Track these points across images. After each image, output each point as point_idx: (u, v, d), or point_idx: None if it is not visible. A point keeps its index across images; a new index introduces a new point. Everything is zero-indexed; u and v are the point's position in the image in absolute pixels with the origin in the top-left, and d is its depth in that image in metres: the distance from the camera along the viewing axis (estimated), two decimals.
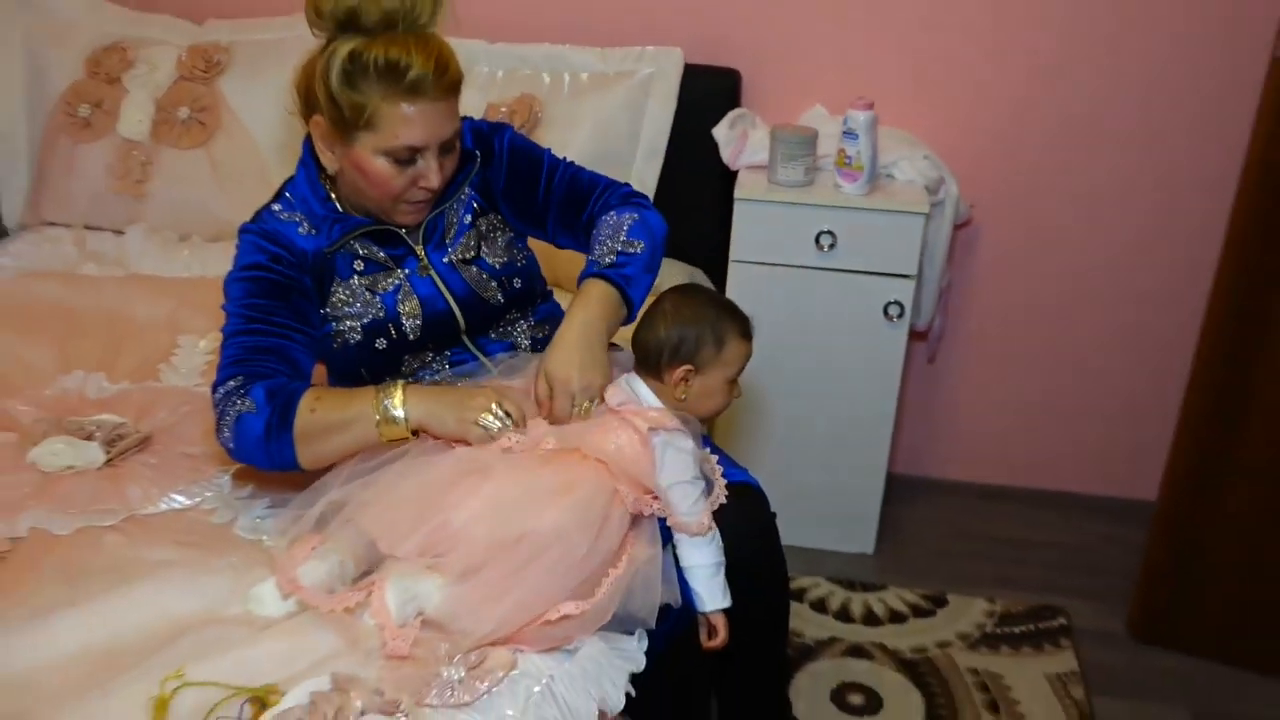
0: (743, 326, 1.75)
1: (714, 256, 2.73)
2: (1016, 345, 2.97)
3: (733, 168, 2.70)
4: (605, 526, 1.54)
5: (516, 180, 1.87)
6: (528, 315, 1.92)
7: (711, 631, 1.71)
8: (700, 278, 2.86)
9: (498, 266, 1.85)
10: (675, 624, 1.64)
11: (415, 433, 1.62)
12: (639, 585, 1.56)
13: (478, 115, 2.69)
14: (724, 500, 1.67)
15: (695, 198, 2.78)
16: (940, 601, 2.66)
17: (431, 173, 1.67)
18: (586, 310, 1.69)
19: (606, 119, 2.68)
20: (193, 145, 2.75)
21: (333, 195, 1.77)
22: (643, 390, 1.71)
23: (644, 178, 2.70)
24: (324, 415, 1.59)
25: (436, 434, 1.61)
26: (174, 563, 1.64)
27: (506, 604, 1.45)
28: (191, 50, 2.80)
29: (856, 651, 2.49)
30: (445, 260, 1.82)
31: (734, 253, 2.61)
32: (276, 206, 1.77)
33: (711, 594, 1.68)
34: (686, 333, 1.71)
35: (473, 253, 1.83)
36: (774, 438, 2.75)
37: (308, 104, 1.69)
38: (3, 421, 1.98)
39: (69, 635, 1.49)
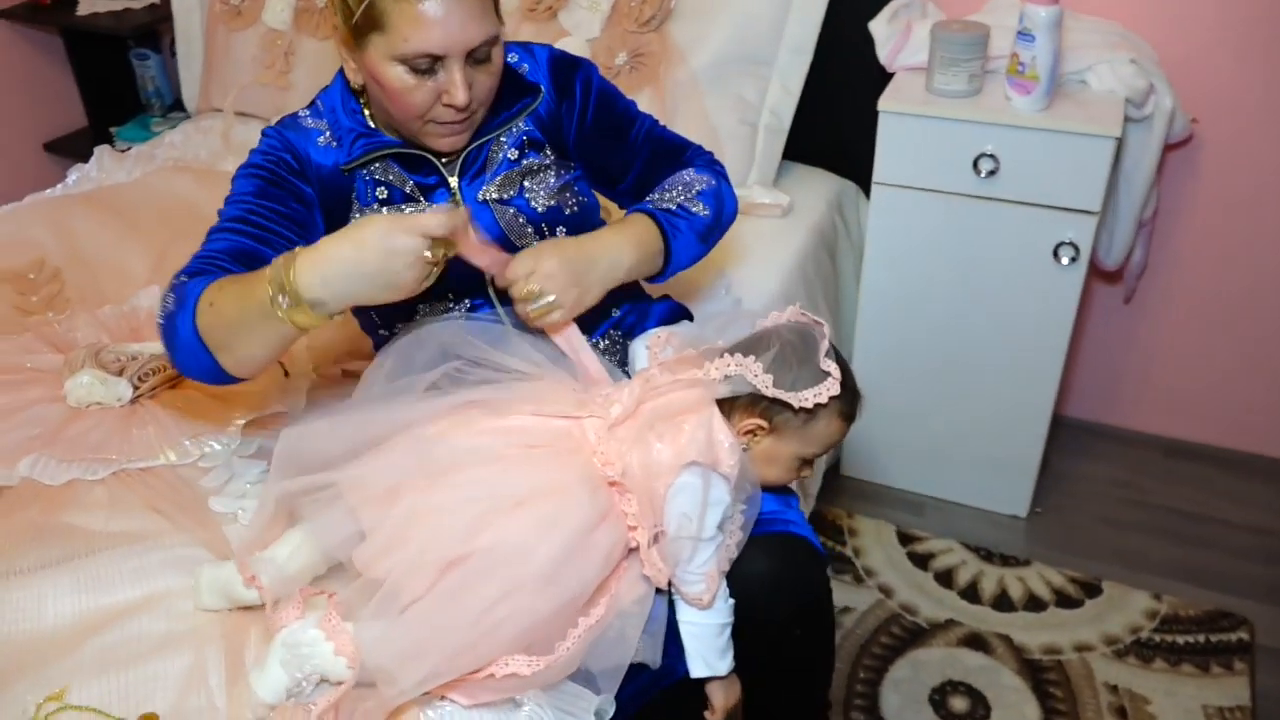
0: (847, 406, 1.24)
1: (868, 171, 2.11)
2: (1232, 285, 2.20)
3: (890, 69, 2.05)
4: (583, 550, 1.11)
5: (602, 130, 1.47)
6: None
7: (708, 705, 1.25)
8: (851, 194, 2.27)
9: (540, 210, 1.41)
10: (653, 683, 1.21)
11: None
12: (611, 636, 1.14)
13: (607, 4, 2.17)
14: (727, 566, 1.20)
15: (848, 103, 2.16)
16: (1093, 590, 2.05)
17: (455, 86, 1.24)
18: (617, 234, 1.34)
19: (747, 9, 2.08)
20: (329, 35, 2.40)
21: (367, 110, 1.39)
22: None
23: (787, 80, 2.10)
24: (222, 307, 1.18)
25: (365, 304, 1.20)
26: (132, 536, 1.35)
27: (443, 649, 1.07)
28: None
29: (975, 642, 1.95)
30: (479, 196, 1.39)
31: (878, 173, 2.00)
32: (304, 112, 1.41)
33: (707, 658, 1.21)
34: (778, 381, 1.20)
35: (512, 191, 1.40)
36: (920, 377, 2.17)
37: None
38: (62, 341, 1.76)
39: None
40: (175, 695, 1.15)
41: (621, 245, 1.32)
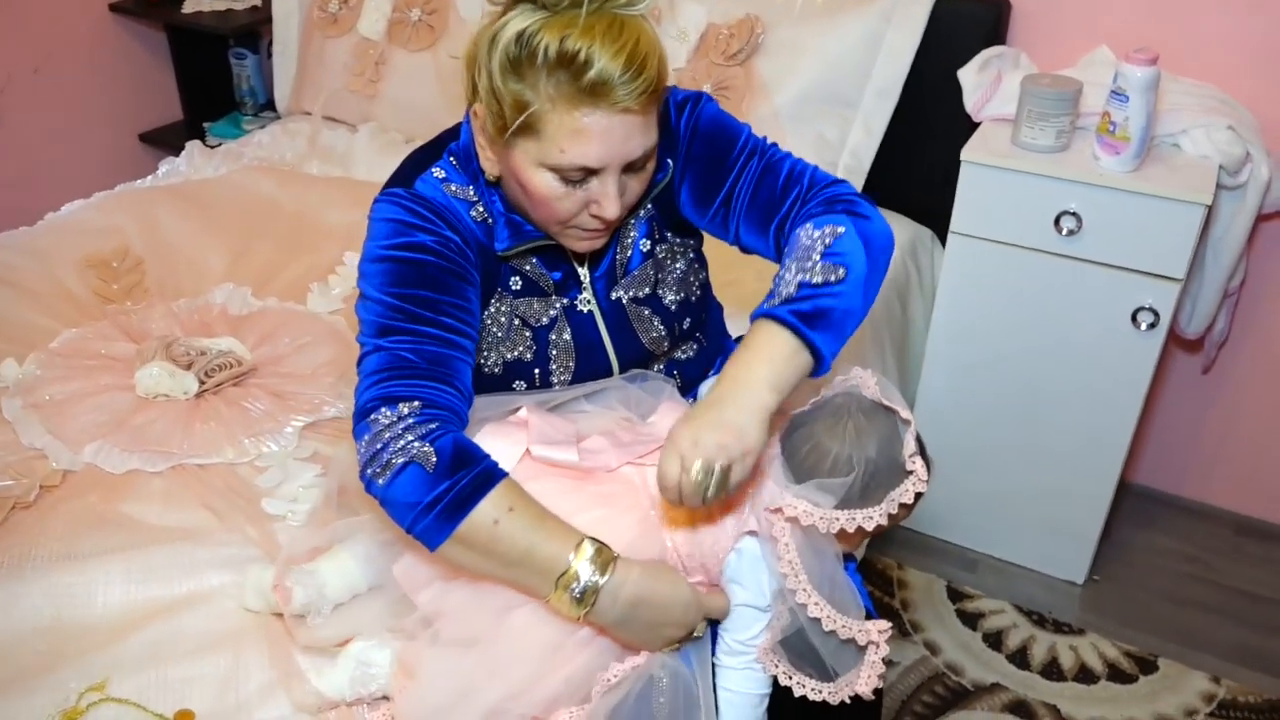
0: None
1: (945, 219, 2.06)
2: None
3: (976, 118, 2.01)
4: None
5: (702, 164, 1.24)
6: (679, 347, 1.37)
7: None
8: (926, 241, 2.23)
9: (673, 308, 1.30)
10: None
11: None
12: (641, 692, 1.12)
13: (695, 35, 2.16)
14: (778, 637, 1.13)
15: (929, 149, 2.12)
16: (1148, 666, 1.97)
17: (607, 199, 1.11)
18: (741, 367, 1.07)
19: (836, 49, 2.06)
20: (420, 48, 2.43)
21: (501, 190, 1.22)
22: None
23: (870, 122, 2.07)
24: (506, 533, 1.05)
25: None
26: (185, 532, 1.37)
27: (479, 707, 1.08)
28: None
29: (1020, 709, 1.88)
30: (614, 296, 1.28)
31: (955, 222, 1.95)
32: (439, 173, 1.20)
33: None
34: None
35: (647, 289, 1.29)
36: (984, 432, 2.11)
37: (473, 86, 1.13)
38: (137, 331, 1.79)
39: (35, 602, 1.26)
40: (212, 694, 1.16)
41: (751, 378, 1.06)
